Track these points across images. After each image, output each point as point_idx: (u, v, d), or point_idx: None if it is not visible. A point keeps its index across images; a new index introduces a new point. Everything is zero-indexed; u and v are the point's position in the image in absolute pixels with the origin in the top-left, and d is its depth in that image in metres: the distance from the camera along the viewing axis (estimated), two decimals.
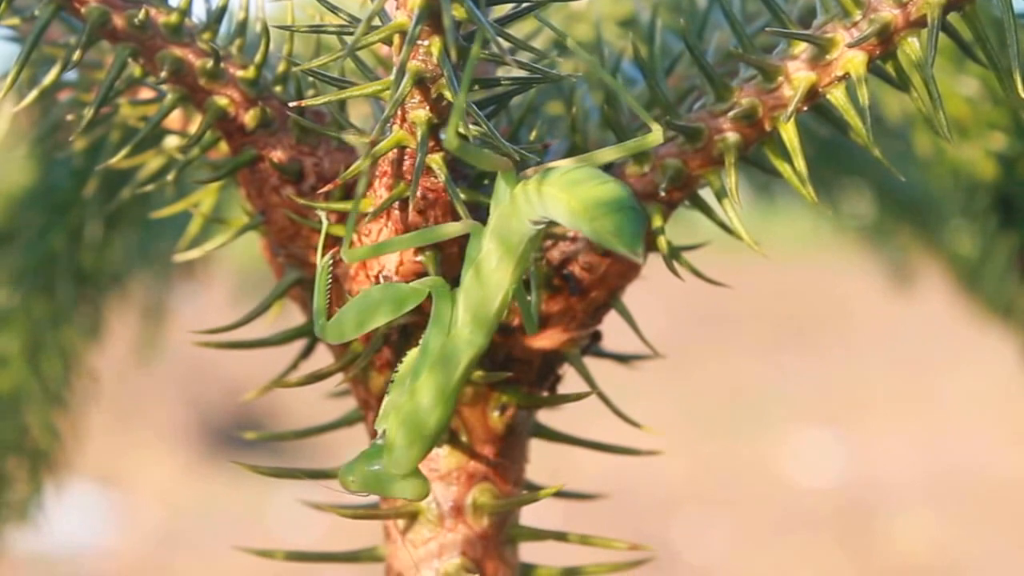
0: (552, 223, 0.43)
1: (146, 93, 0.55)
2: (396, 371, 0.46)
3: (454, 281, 0.46)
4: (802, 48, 0.47)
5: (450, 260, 0.48)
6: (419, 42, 0.44)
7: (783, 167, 0.48)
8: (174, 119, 0.55)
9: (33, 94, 0.49)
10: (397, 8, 0.44)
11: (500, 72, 0.52)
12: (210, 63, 0.48)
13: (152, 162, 0.56)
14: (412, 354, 0.46)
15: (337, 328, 0.46)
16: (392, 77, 0.46)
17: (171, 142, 0.56)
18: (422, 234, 0.46)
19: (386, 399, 0.46)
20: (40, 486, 0.74)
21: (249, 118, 0.49)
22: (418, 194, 0.47)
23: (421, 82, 0.45)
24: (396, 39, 0.45)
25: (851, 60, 0.46)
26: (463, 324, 0.45)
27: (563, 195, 0.42)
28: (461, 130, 0.43)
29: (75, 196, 0.66)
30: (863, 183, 1.06)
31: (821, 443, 3.48)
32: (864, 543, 2.88)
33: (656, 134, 0.44)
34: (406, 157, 0.47)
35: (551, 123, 0.55)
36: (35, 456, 0.73)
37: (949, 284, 1.07)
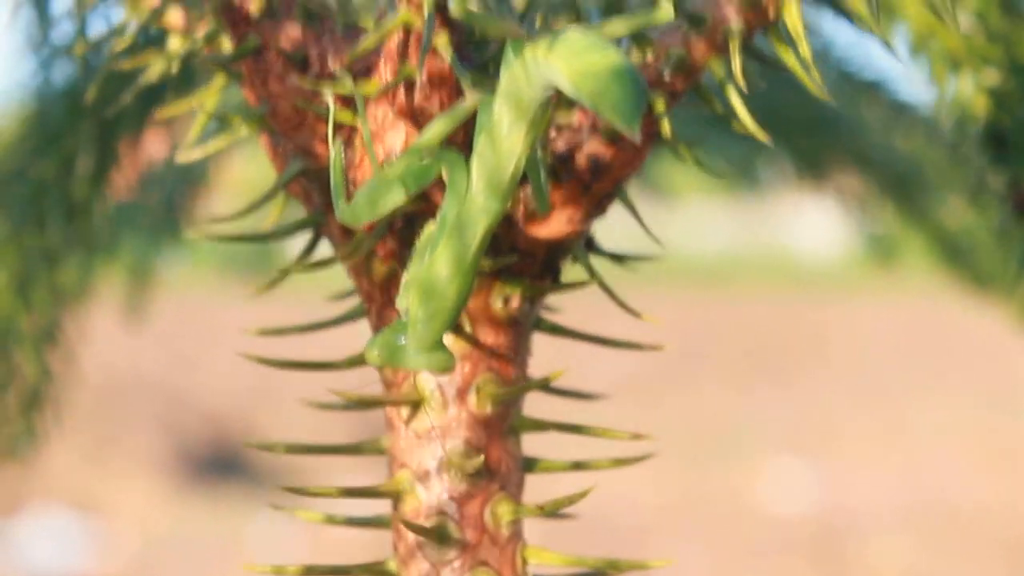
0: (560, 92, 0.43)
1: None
2: (415, 247, 0.45)
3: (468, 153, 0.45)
4: None
5: (455, 146, 0.48)
6: None
7: (787, 55, 0.49)
8: (176, 21, 0.55)
9: None
10: None
11: None
12: None
13: (155, 66, 0.56)
14: (429, 227, 0.46)
15: (352, 210, 0.46)
16: None
17: (174, 44, 0.56)
18: (441, 122, 0.45)
19: (406, 275, 0.45)
20: (32, 424, 0.73)
21: (254, 6, 0.49)
22: (424, 76, 0.47)
23: None
24: None
25: None
26: (477, 191, 0.44)
27: (564, 65, 0.41)
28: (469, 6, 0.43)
29: (68, 124, 0.66)
30: (847, 157, 1.06)
31: (794, 472, 3.49)
32: (838, 567, 2.88)
33: (666, 10, 0.44)
34: (411, 39, 0.48)
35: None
36: (25, 394, 0.72)
37: (933, 259, 1.08)
